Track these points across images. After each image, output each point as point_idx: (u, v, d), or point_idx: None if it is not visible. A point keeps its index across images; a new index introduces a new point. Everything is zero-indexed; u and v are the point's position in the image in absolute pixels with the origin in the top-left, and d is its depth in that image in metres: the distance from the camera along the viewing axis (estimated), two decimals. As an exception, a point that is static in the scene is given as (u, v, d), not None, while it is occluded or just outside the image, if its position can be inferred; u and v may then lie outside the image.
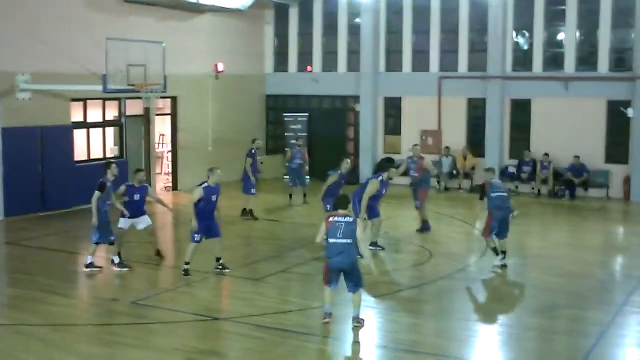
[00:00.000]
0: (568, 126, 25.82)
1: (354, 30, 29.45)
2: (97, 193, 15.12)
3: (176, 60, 23.89)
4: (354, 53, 29.52)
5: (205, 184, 14.87)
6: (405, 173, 19.97)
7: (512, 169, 26.28)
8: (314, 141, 29.63)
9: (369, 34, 28.53)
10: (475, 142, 27.41)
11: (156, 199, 16.92)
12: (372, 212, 17.10)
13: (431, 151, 27.71)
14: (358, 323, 11.91)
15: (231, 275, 15.24)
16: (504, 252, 15.58)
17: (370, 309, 13.22)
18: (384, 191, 17.18)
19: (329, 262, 11.88)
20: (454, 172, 27.04)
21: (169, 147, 27.38)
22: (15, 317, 12.70)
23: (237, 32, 29.22)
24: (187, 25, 26.68)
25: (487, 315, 13.13)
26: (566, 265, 16.13)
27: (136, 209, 15.84)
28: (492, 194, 15.52)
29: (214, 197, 14.90)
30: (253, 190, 21.21)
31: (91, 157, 23.63)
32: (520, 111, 26.86)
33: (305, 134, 29.25)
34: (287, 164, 25.05)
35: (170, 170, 27.41)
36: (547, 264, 16.46)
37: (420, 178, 19.80)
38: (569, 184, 25.20)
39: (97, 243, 15.33)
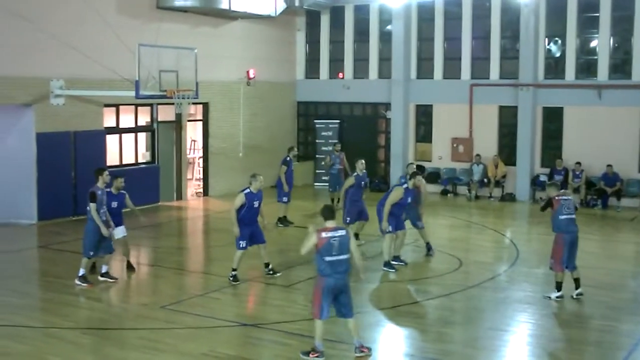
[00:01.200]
0: (601, 135, 25.58)
1: (385, 37, 29.44)
2: (92, 205, 14.57)
3: (208, 66, 24.05)
4: (385, 60, 29.50)
5: (247, 190, 14.85)
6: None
7: (543, 178, 26.05)
8: (345, 148, 29.52)
9: (400, 41, 28.49)
10: (507, 150, 27.26)
11: (131, 207, 15.89)
12: (398, 224, 16.34)
13: (462, 159, 27.66)
14: (363, 352, 11.05)
15: (262, 282, 15.29)
16: (577, 280, 14.15)
17: (398, 317, 13.20)
18: (409, 200, 16.29)
19: (326, 281, 10.76)
20: (485, 180, 26.88)
21: (201, 153, 27.50)
22: (46, 320, 12.82)
23: (268, 39, 29.32)
24: (219, 31, 26.82)
25: (517, 325, 13.01)
26: (598, 275, 15.94)
27: (113, 218, 15.26)
28: (560, 216, 13.98)
29: (256, 204, 14.92)
30: (285, 199, 21.20)
31: (123, 162, 23.80)
32: (553, 119, 26.67)
33: (336, 141, 29.22)
34: (329, 170, 25.09)
35: (201, 176, 27.52)
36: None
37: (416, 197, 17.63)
38: (602, 193, 24.94)
39: (102, 255, 15.01)
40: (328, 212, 11.05)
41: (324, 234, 10.80)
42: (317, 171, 30.14)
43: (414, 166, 17.95)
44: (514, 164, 26.71)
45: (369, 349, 11.17)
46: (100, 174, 15.00)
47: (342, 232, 10.93)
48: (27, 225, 20.79)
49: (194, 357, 10.98)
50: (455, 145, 27.91)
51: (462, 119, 27.78)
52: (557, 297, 14.03)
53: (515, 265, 16.91)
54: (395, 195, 16.03)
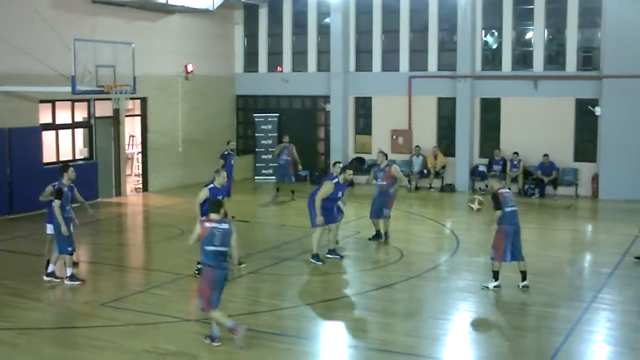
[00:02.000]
0: (537, 125, 26.03)
1: (324, 30, 29.49)
2: (57, 202, 14.35)
3: (145, 61, 23.83)
4: (324, 53, 29.56)
5: (211, 185, 14.90)
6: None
7: (482, 168, 26.41)
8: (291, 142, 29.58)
9: (338, 34, 28.56)
10: (446, 141, 27.56)
11: (80, 200, 15.53)
12: (330, 217, 16.29)
13: (402, 151, 27.85)
14: (216, 344, 11.28)
15: (202, 277, 15.19)
16: (524, 273, 14.31)
17: (340, 309, 13.27)
18: (340, 194, 16.35)
19: (215, 272, 11.15)
20: (425, 171, 27.14)
21: (139, 149, 27.23)
22: (-17, 321, 12.60)
23: (206, 33, 29.14)
24: (156, 26, 26.56)
25: (458, 313, 13.17)
26: (536, 263, 16.15)
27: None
28: (506, 208, 14.05)
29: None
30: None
31: (60, 158, 23.41)
32: (490, 110, 27.05)
33: (275, 134, 29.28)
34: (277, 160, 25.32)
35: (140, 171, 27.25)
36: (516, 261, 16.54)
37: (387, 186, 18.41)
38: (539, 182, 25.41)
39: (60, 253, 14.70)
40: (214, 207, 11.44)
41: (207, 224, 11.17)
42: (257, 165, 30.08)
43: (340, 165, 17.58)
44: (453, 154, 27.04)
45: (213, 341, 11.27)
46: (65, 171, 14.78)
47: (225, 226, 11.21)
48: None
49: (136, 354, 10.90)
50: (394, 137, 28.09)
51: (401, 111, 27.98)
52: (495, 286, 14.24)
53: (456, 255, 17.12)
54: (326, 189, 16.05)
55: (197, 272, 14.84)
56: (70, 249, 14.62)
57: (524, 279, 14.34)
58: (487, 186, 25.87)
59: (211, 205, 11.60)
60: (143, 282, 15.14)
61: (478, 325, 12.51)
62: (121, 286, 14.92)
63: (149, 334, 11.77)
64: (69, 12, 23.03)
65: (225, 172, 15.24)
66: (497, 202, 14.12)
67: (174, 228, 20.02)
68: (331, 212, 16.39)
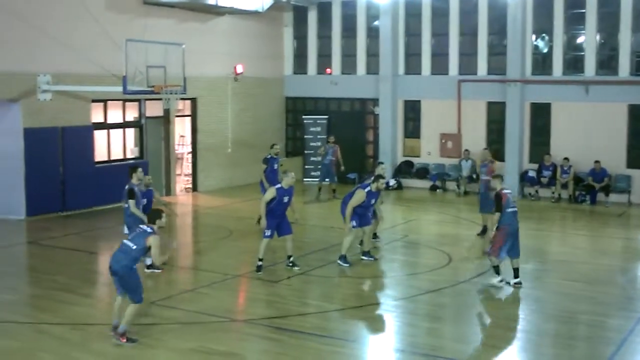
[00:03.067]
0: (589, 130, 25.65)
1: (373, 33, 29.43)
2: (131, 202, 14.96)
3: (196, 61, 23.98)
4: (373, 56, 29.50)
5: (279, 186, 15.51)
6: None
7: (532, 174, 26.12)
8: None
9: (387, 37, 28.49)
10: (495, 145, 27.25)
11: (162, 203, 16.43)
12: (363, 220, 16.40)
13: (451, 155, 27.71)
14: (120, 341, 11.22)
15: (251, 278, 15.27)
16: (516, 270, 14.66)
17: (388, 312, 13.24)
18: (372, 201, 16.47)
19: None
20: (474, 175, 26.92)
21: (189, 149, 27.44)
22: (35, 315, 12.78)
23: (256, 35, 29.27)
24: (207, 27, 26.75)
25: (506, 320, 13.03)
26: (587, 271, 16.02)
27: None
28: (507, 209, 14.43)
29: (285, 199, 15.50)
30: None
31: (111, 158, 23.71)
32: (540, 115, 26.73)
33: (324, 136, 29.28)
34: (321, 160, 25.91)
35: (190, 171, 27.45)
36: (566, 269, 16.37)
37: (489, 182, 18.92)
38: (590, 189, 25.01)
39: None
40: (150, 217, 11.80)
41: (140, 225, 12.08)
42: (306, 167, 30.12)
43: (383, 166, 18.34)
44: (502, 159, 26.75)
45: (130, 341, 11.24)
46: (134, 171, 15.30)
47: (147, 228, 11.52)
48: (16, 220, 20.72)
49: (183, 353, 10.97)
50: (443, 141, 27.94)
51: (450, 115, 27.82)
52: (499, 281, 14.54)
53: (505, 261, 16.92)
54: (358, 198, 16.14)
55: (256, 268, 15.43)
56: None
57: (516, 276, 14.59)
58: (537, 192, 25.73)
59: (149, 216, 11.90)
60: (192, 282, 15.25)
61: (527, 332, 12.34)
62: (170, 285, 15.04)
63: (196, 334, 11.83)
64: (121, 13, 23.30)
65: (292, 174, 15.67)
66: (500, 203, 14.43)
67: (223, 228, 20.14)
68: (364, 216, 16.47)
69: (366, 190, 16.18)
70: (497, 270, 14.60)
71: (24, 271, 16.50)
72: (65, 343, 11.37)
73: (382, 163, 18.97)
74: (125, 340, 11.20)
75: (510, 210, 14.43)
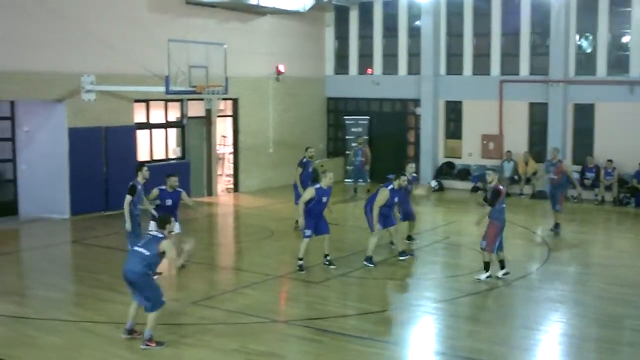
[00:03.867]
0: (633, 132, 25.27)
1: (415, 33, 29.34)
2: (128, 197, 14.87)
3: (237, 62, 24.09)
4: (414, 56, 29.41)
5: (318, 186, 15.73)
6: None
7: (575, 175, 25.78)
8: (374, 144, 29.59)
9: (429, 37, 28.40)
10: (538, 147, 27.04)
11: (190, 205, 16.29)
12: (387, 221, 16.53)
13: (492, 156, 27.53)
14: (148, 346, 11.19)
15: (291, 278, 15.32)
16: (502, 261, 15.11)
17: (428, 314, 13.19)
18: (396, 199, 16.50)
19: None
20: (516, 177, 26.73)
21: (231, 149, 27.57)
22: (79, 314, 12.94)
23: (297, 35, 29.33)
24: (248, 27, 26.87)
25: (549, 324, 12.92)
26: (631, 275, 15.82)
27: None
28: (501, 205, 14.92)
29: (324, 199, 15.72)
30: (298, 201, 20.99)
31: (154, 157, 23.92)
32: (584, 116, 26.42)
33: (366, 137, 29.27)
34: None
35: (231, 172, 27.59)
36: (610, 273, 16.14)
37: (558, 181, 19.77)
38: (635, 191, 24.65)
39: None
40: (159, 222, 11.72)
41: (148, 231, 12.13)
42: (347, 167, 30.10)
43: (413, 166, 18.45)
44: (544, 161, 26.46)
45: (158, 344, 11.22)
46: (139, 170, 15.35)
47: (156, 234, 11.45)
48: (60, 220, 21.01)
49: (224, 353, 11.03)
50: (485, 142, 27.77)
51: (492, 116, 27.63)
52: (487, 277, 14.89)
53: (547, 264, 16.79)
54: (382, 197, 16.22)
55: (298, 267, 15.59)
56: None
57: (503, 267, 15.09)
58: (580, 194, 25.35)
59: (158, 221, 11.85)
60: (233, 282, 15.34)
61: (570, 336, 12.21)
62: (211, 285, 15.15)
63: (238, 334, 11.89)
64: (163, 13, 23.50)
65: (331, 174, 15.88)
66: (496, 198, 14.78)
67: (264, 229, 20.22)
68: (388, 217, 16.57)
69: (389, 188, 16.29)
70: (487, 266, 14.98)
71: (68, 270, 16.73)
72: (110, 341, 11.50)
73: (411, 162, 18.91)
74: (154, 344, 11.22)
75: (503, 206, 14.92)
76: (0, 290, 14.34)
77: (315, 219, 15.73)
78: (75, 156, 21.20)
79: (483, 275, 14.95)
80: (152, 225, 15.10)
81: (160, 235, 11.36)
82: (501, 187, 15.00)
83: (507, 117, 27.45)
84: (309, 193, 15.58)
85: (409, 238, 18.30)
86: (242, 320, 12.57)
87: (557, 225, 20.00)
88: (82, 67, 21.22)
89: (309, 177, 20.52)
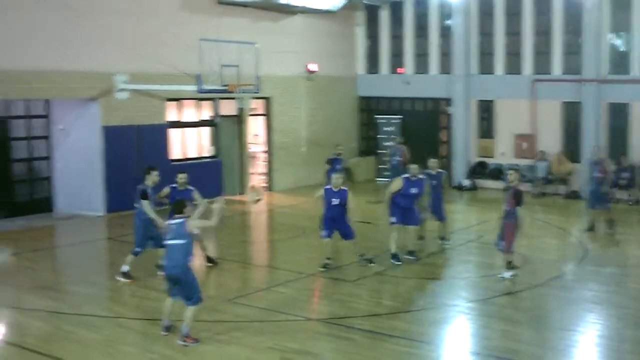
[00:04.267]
0: (669, 131, 25.04)
1: (446, 32, 29.24)
2: (145, 202, 14.63)
3: (269, 61, 24.12)
4: (445, 55, 29.31)
5: (406, 176, 16.20)
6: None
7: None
8: (406, 144, 29.52)
9: (460, 36, 28.30)
10: (572, 146, 26.83)
11: (199, 202, 15.38)
12: (407, 218, 16.41)
13: (526, 155, 27.37)
14: (186, 342, 11.24)
15: (325, 277, 15.30)
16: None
17: (462, 314, 13.13)
18: (413, 190, 16.26)
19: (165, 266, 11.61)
20: (549, 177, 26.54)
21: (263, 148, 27.64)
22: (115, 310, 13.06)
23: (328, 34, 29.35)
24: (280, 26, 26.93)
25: (585, 325, 12.78)
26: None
27: None
28: (520, 205, 14.96)
29: (413, 190, 16.12)
30: None
31: (187, 156, 24.05)
32: (618, 115, 26.17)
33: (398, 136, 29.22)
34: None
35: (264, 170, 27.65)
36: (647, 274, 16.03)
37: (603, 178, 19.77)
38: (670, 191, 24.41)
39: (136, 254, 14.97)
40: (175, 207, 11.66)
41: (167, 222, 11.73)
42: (379, 166, 30.08)
43: (435, 161, 18.30)
44: (578, 160, 26.30)
45: (194, 340, 11.28)
46: (148, 173, 14.97)
47: (179, 221, 11.35)
48: (95, 217, 21.19)
49: (259, 350, 11.06)
50: (518, 141, 27.61)
51: (524, 115, 27.47)
52: (512, 275, 15.02)
53: (582, 264, 16.67)
54: (395, 184, 16.39)
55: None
56: (138, 249, 14.94)
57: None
58: (614, 194, 25.11)
59: (174, 207, 11.76)
60: (267, 280, 15.39)
61: (607, 338, 12.07)
62: (245, 283, 15.21)
63: (272, 332, 11.92)
64: (195, 13, 23.62)
65: (417, 165, 16.30)
66: (521, 198, 14.85)
67: (297, 227, 20.24)
68: (407, 212, 16.41)
69: (403, 177, 16.40)
70: (511, 265, 15.12)
71: (103, 266, 16.86)
72: (146, 337, 11.59)
73: (433, 157, 18.59)
74: (191, 340, 11.27)
75: (522, 206, 14.97)
76: (37, 286, 14.53)
77: (401, 209, 16.20)
78: (109, 154, 21.39)
79: (507, 274, 14.99)
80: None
81: (181, 220, 11.36)
82: (521, 187, 15.08)
83: (540, 116, 27.27)
84: (397, 183, 16.14)
85: (441, 238, 18.24)
86: (277, 318, 12.60)
87: (611, 223, 19.90)
88: (115, 66, 21.38)
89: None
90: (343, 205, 15.47)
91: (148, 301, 13.48)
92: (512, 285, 14.74)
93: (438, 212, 18.04)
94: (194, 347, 11.14)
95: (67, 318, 12.51)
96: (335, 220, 15.55)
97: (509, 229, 14.92)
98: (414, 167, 16.48)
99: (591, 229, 19.82)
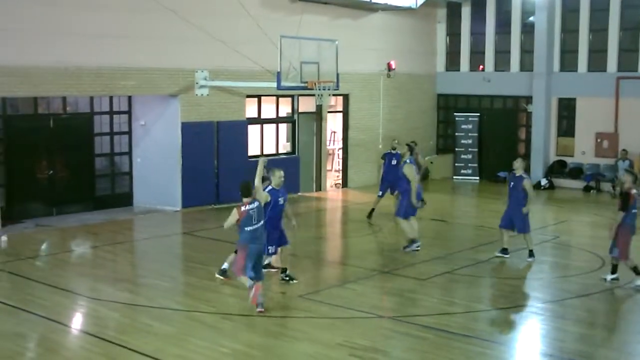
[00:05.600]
0: None
1: (528, 29, 28.85)
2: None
3: (348, 58, 24.12)
4: (527, 52, 28.91)
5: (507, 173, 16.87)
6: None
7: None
8: (484, 142, 29.33)
9: (543, 33, 27.86)
10: (656, 146, 26.18)
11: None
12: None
13: (606, 154, 26.81)
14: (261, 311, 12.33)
15: (397, 275, 15.28)
16: (615, 267, 14.65)
17: (536, 315, 12.96)
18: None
19: (250, 247, 12.37)
20: (631, 177, 25.89)
21: (340, 145, 27.71)
22: (189, 303, 13.23)
23: (408, 31, 29.24)
24: (359, 23, 26.93)
25: (664, 329, 12.51)
26: None
27: None
28: (632, 210, 14.27)
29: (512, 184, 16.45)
30: (380, 193, 21.05)
31: (264, 152, 24.26)
32: None
33: (476, 134, 29.00)
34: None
35: (340, 167, 27.73)
36: None
37: None
38: None
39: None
40: (244, 190, 12.43)
41: (243, 208, 12.36)
42: (457, 164, 29.86)
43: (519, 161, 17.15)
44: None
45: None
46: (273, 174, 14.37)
47: (256, 204, 12.45)
48: (172, 212, 21.59)
49: (329, 347, 11.09)
50: (599, 140, 27.07)
51: (607, 113, 26.92)
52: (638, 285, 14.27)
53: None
54: (411, 171, 16.88)
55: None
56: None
57: (614, 271, 14.64)
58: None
59: (242, 189, 12.46)
60: (339, 277, 15.42)
61: (686, 343, 11.80)
62: (318, 279, 15.27)
63: (342, 328, 11.95)
64: (275, 9, 23.80)
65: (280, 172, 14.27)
66: (627, 203, 14.15)
67: (371, 224, 20.23)
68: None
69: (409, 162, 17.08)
70: (636, 270, 14.34)
71: (179, 260, 17.15)
72: (217, 332, 11.74)
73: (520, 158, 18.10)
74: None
75: (634, 211, 14.29)
76: (115, 278, 14.89)
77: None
78: (188, 150, 21.70)
79: (637, 281, 14.37)
80: None
81: (257, 203, 12.46)
82: (634, 192, 14.30)
83: (623, 114, 26.68)
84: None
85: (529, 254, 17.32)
86: (348, 315, 12.62)
87: None
88: (196, 63, 21.73)
89: (390, 169, 20.42)
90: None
91: (221, 295, 13.67)
92: (588, 286, 14.44)
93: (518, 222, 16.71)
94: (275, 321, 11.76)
95: (142, 310, 12.78)
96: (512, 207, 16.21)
97: (624, 236, 14.32)
98: (416, 151, 17.43)
99: None
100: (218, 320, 12.27)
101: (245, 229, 12.39)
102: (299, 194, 24.59)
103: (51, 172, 20.87)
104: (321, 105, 24.57)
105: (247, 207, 12.33)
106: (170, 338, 11.40)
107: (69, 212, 20.98)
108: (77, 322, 12.47)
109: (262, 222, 12.52)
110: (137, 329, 11.81)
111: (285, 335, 11.58)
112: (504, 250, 16.60)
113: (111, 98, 21.99)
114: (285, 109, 25.26)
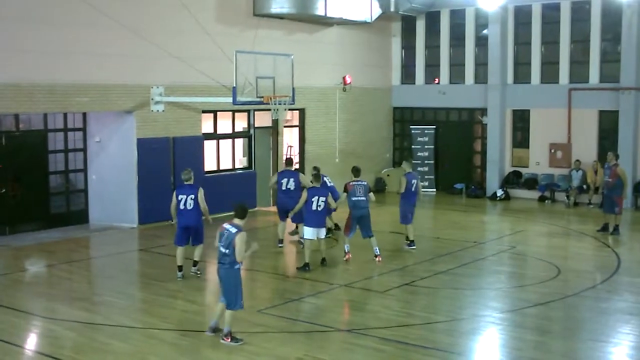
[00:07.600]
0: None
1: (482, 42, 29.15)
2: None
3: (304, 72, 24.22)
4: (481, 65, 29.20)
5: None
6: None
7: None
8: (441, 154, 29.57)
9: (496, 45, 28.18)
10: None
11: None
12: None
13: (560, 165, 27.15)
14: (224, 340, 11.81)
15: (356, 288, 15.29)
16: None
17: (494, 324, 13.05)
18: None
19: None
20: (584, 186, 26.28)
21: (297, 159, 27.67)
22: (146, 321, 13.11)
23: (364, 45, 29.39)
24: (315, 37, 27.01)
25: (619, 336, 12.61)
26: None
27: None
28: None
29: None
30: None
31: (220, 167, 24.17)
32: (656, 124, 25.86)
33: (432, 146, 29.20)
34: None
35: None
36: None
37: (613, 184, 20.37)
38: None
39: None
40: (238, 212, 12.10)
41: (223, 225, 12.18)
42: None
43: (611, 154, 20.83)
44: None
45: (233, 340, 11.70)
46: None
47: (229, 228, 11.95)
48: (129, 228, 21.40)
49: (288, 361, 11.10)
50: (553, 150, 27.41)
51: (560, 124, 27.27)
52: None
53: (617, 275, 16.46)
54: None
55: None
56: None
57: None
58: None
59: (236, 211, 12.17)
60: (298, 291, 15.36)
61: (640, 349, 11.97)
62: (276, 293, 15.22)
63: (302, 342, 11.94)
64: (231, 25, 23.76)
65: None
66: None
67: (329, 238, 20.23)
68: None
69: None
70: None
71: (135, 277, 17.01)
72: (176, 348, 11.65)
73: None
74: (229, 339, 11.60)
75: None
76: (71, 297, 14.69)
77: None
78: (144, 166, 21.54)
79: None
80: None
81: (235, 230, 11.91)
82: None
83: (575, 125, 27.05)
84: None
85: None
86: (307, 329, 12.62)
87: (616, 228, 20.50)
88: (151, 79, 21.61)
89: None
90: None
91: (179, 312, 13.58)
92: (544, 296, 14.59)
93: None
94: (234, 346, 11.57)
95: (99, 329, 12.63)
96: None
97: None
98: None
99: (604, 229, 20.85)
100: (177, 337, 12.19)
101: (352, 198, 16.70)
102: (256, 208, 24.49)
103: (4, 190, 20.54)
104: (277, 119, 24.53)
105: (225, 226, 12.14)
106: (129, 357, 11.28)
107: (23, 231, 20.66)
108: (31, 342, 12.27)
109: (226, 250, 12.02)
110: (95, 348, 11.66)
111: (245, 350, 11.50)
112: None
113: (65, 115, 21.76)
114: (241, 123, 25.20)
